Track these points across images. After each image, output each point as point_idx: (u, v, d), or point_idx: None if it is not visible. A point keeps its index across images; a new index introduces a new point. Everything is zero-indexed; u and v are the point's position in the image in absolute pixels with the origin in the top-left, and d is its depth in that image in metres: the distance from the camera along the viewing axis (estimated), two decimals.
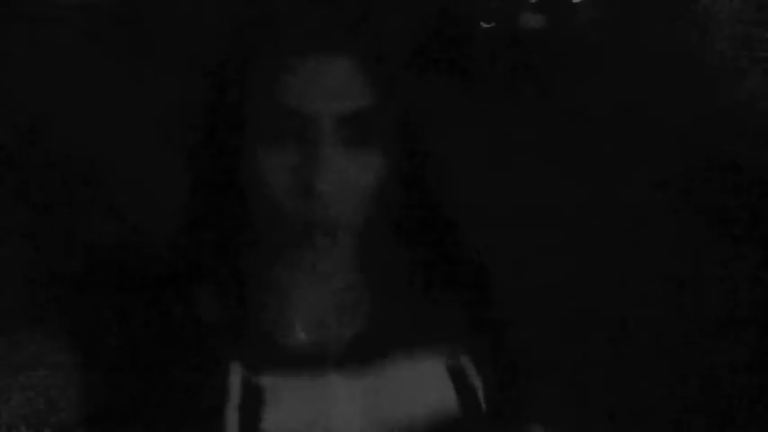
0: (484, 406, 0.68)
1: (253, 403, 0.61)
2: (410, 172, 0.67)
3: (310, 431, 0.62)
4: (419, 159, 0.67)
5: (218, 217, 0.64)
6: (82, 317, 0.61)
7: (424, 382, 0.66)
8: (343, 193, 0.61)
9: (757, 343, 2.28)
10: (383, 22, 0.64)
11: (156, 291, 0.63)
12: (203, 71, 0.63)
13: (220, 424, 0.60)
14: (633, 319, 2.54)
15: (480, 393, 0.68)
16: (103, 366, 0.60)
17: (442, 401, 0.66)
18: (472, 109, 4.90)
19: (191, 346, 0.62)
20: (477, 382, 0.68)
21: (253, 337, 0.65)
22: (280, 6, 0.61)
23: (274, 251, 0.65)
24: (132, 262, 0.64)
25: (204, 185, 0.64)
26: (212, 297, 0.63)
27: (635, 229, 3.03)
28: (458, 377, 0.68)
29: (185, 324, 0.62)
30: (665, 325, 2.47)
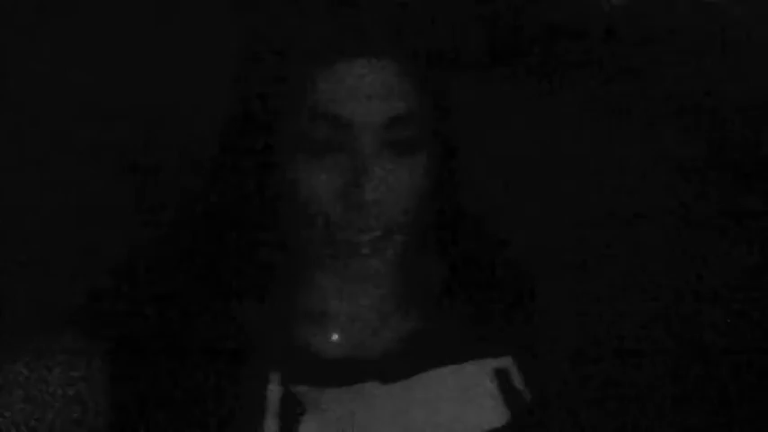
0: (532, 413, 0.66)
1: (291, 414, 0.60)
2: (449, 178, 0.65)
3: None
4: (457, 166, 0.66)
5: (258, 227, 0.62)
6: (119, 325, 0.60)
7: (468, 392, 0.65)
8: (388, 201, 0.59)
9: None
10: (424, 23, 0.62)
11: (198, 300, 0.62)
12: (237, 80, 0.62)
13: None
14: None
15: (528, 400, 0.66)
16: (140, 374, 0.59)
17: (488, 411, 0.64)
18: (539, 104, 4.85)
19: (231, 355, 0.61)
20: (524, 389, 0.67)
21: (292, 347, 0.64)
22: (317, 10, 0.59)
23: (313, 260, 0.64)
24: (173, 270, 0.63)
25: (240, 195, 0.62)
26: (253, 306, 0.62)
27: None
28: (504, 384, 0.66)
29: (226, 333, 0.61)
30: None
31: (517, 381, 0.67)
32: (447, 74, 0.63)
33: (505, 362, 0.67)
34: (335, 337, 0.66)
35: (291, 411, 0.60)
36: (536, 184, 3.56)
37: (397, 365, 0.65)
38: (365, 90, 0.58)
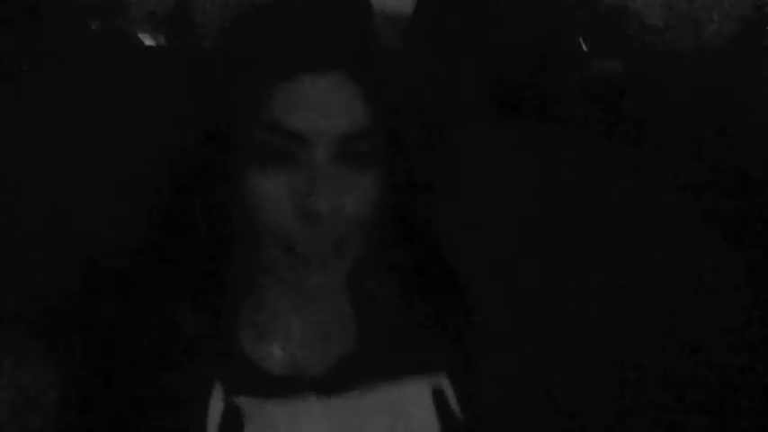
0: (464, 429, 0.67)
1: (233, 425, 0.60)
2: (403, 199, 0.65)
3: None
4: (412, 186, 0.65)
5: (203, 234, 0.61)
6: (65, 329, 0.59)
7: (406, 407, 0.65)
8: (338, 216, 0.59)
9: None
10: (376, 39, 0.62)
11: (139, 306, 0.61)
12: (190, 95, 0.61)
13: None
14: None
15: (460, 418, 0.67)
16: (82, 381, 0.58)
17: (425, 426, 0.65)
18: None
19: (173, 365, 0.60)
20: (457, 407, 0.67)
21: (234, 358, 0.64)
22: (271, 24, 0.59)
23: (262, 272, 0.63)
24: (115, 276, 0.62)
25: (189, 204, 0.61)
26: (195, 314, 0.61)
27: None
28: (440, 401, 0.67)
29: (169, 342, 0.61)
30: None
31: (452, 399, 0.67)
32: (402, 93, 0.62)
33: (441, 380, 0.68)
34: (279, 352, 0.65)
35: (233, 423, 0.60)
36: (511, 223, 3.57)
37: (336, 380, 0.65)
38: (320, 104, 0.57)
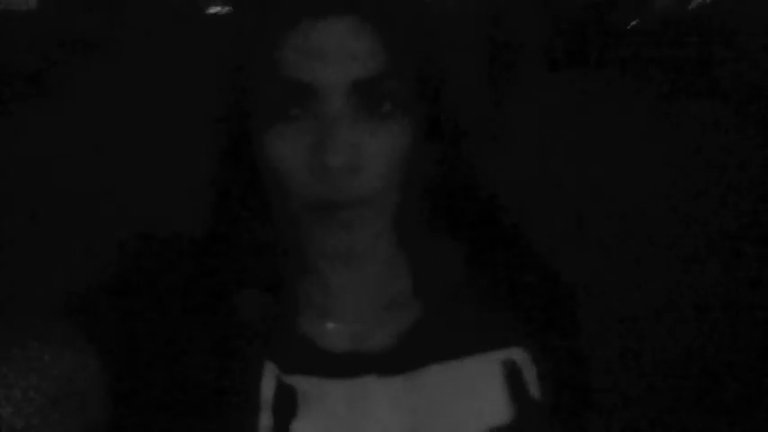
0: (542, 408, 0.61)
1: (286, 406, 0.57)
2: (441, 144, 0.60)
3: None
4: (450, 130, 0.60)
5: (247, 210, 0.59)
6: (111, 315, 0.58)
7: (475, 386, 0.60)
8: (359, 169, 0.55)
9: None
10: None
11: (191, 287, 0.59)
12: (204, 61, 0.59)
13: (253, 426, 0.56)
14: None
15: (538, 395, 0.61)
16: (133, 363, 0.57)
17: (494, 407, 0.60)
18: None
19: (224, 344, 0.58)
20: (534, 382, 0.61)
21: (288, 337, 0.60)
22: None
23: (306, 239, 0.59)
24: (167, 261, 0.61)
25: (224, 176, 0.59)
26: (248, 294, 0.59)
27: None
28: (513, 378, 0.61)
29: (219, 322, 0.58)
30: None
31: (528, 375, 0.62)
32: (435, 36, 0.58)
33: (517, 355, 0.62)
34: (331, 325, 0.62)
35: (286, 403, 0.57)
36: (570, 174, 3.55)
37: (397, 359, 0.61)
38: (328, 51, 0.53)
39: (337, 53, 0.53)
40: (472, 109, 0.60)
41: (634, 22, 5.90)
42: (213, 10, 6.00)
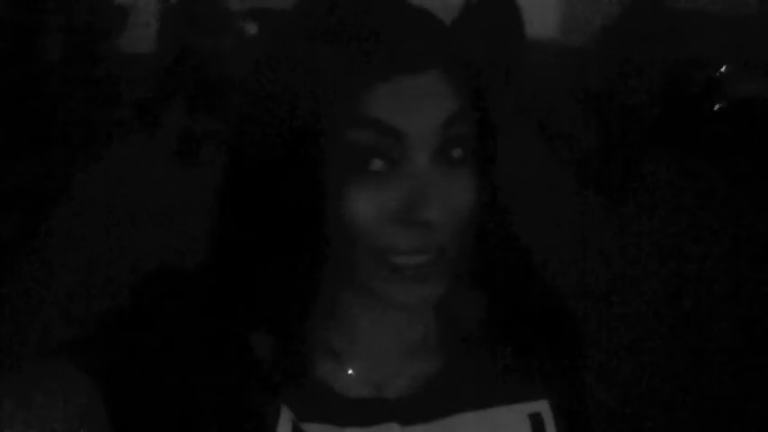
0: None
1: None
2: (491, 198, 0.59)
3: None
4: (495, 181, 0.59)
5: (298, 250, 0.56)
6: (119, 355, 0.55)
7: None
8: (444, 220, 0.53)
9: None
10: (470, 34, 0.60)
11: (205, 326, 0.57)
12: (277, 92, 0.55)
13: None
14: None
15: None
16: (142, 406, 0.54)
17: None
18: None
19: (238, 387, 0.56)
20: None
21: (304, 381, 0.58)
22: (365, 27, 0.54)
23: (346, 288, 0.58)
24: (182, 298, 0.58)
25: (281, 220, 0.55)
26: (267, 338, 0.57)
27: None
28: (536, 429, 0.59)
29: (235, 366, 0.56)
30: None
31: (550, 427, 0.60)
32: (487, 87, 0.58)
33: (540, 406, 0.60)
34: (351, 371, 0.60)
35: None
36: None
37: (420, 406, 0.59)
38: (417, 101, 0.53)
39: (425, 103, 0.53)
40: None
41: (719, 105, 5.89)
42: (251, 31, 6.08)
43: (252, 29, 6.54)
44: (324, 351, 0.60)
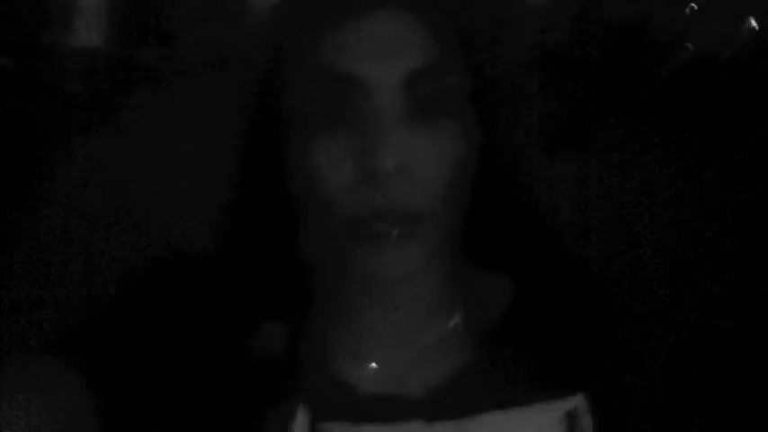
0: None
1: None
2: (494, 160, 0.56)
3: None
4: (502, 140, 0.56)
5: (278, 238, 0.56)
6: (117, 351, 0.55)
7: None
8: (409, 180, 0.51)
9: None
10: None
11: (222, 323, 0.57)
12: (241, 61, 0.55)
13: None
14: None
15: None
16: (144, 408, 0.55)
17: None
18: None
19: (255, 384, 0.56)
20: None
21: (324, 378, 0.57)
22: None
23: (342, 267, 0.56)
24: (195, 291, 0.58)
25: (255, 199, 0.56)
26: (282, 331, 0.57)
27: None
28: (571, 427, 0.59)
29: (250, 360, 0.56)
30: None
31: (586, 424, 0.59)
32: (484, 31, 0.55)
33: (576, 401, 0.59)
34: (374, 365, 0.59)
35: None
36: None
37: (446, 404, 0.58)
38: (376, 42, 0.51)
39: (388, 45, 0.51)
40: (529, 122, 0.57)
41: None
42: None
43: None
44: (342, 349, 0.59)
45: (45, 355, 0.54)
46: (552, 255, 0.61)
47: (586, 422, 0.58)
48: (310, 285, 0.57)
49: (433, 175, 0.51)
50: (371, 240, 0.51)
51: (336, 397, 0.57)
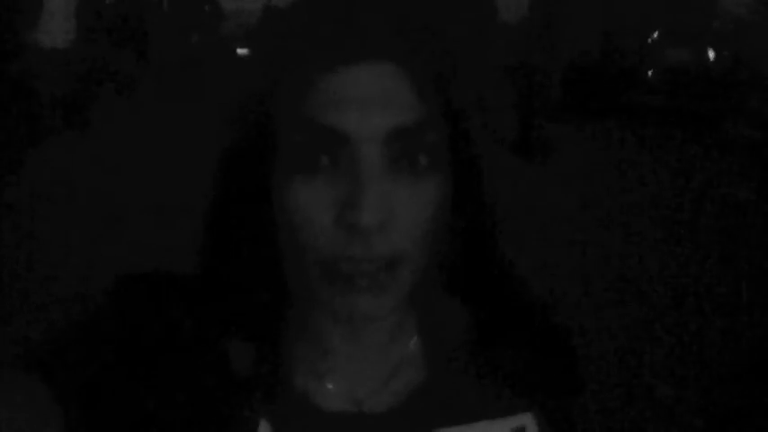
0: None
1: None
2: (465, 204, 0.55)
3: None
4: (476, 189, 0.56)
5: (250, 259, 0.54)
6: (86, 366, 0.52)
7: None
8: (392, 228, 0.50)
9: None
10: (428, 23, 0.53)
11: (183, 340, 0.55)
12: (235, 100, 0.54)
13: None
14: None
15: None
16: (110, 421, 0.52)
17: None
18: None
19: (217, 401, 0.53)
20: None
21: (285, 395, 0.56)
22: (302, 17, 0.52)
23: (312, 297, 0.55)
24: (156, 306, 0.56)
25: (234, 223, 0.54)
26: (245, 348, 0.55)
27: None
28: None
29: (212, 377, 0.54)
30: None
31: None
32: (464, 82, 0.54)
33: (525, 419, 0.59)
34: (330, 386, 0.58)
35: None
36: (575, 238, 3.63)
37: (402, 421, 0.57)
38: (361, 98, 0.49)
39: (373, 100, 0.49)
40: (499, 169, 0.57)
41: (649, 72, 6.03)
42: (241, 51, 6.23)
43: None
44: (303, 366, 0.58)
45: (14, 369, 0.52)
46: (506, 281, 0.61)
47: None
48: (279, 307, 0.56)
49: (412, 226, 0.51)
50: (348, 284, 0.51)
51: (299, 414, 0.56)
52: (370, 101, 0.49)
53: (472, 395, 0.58)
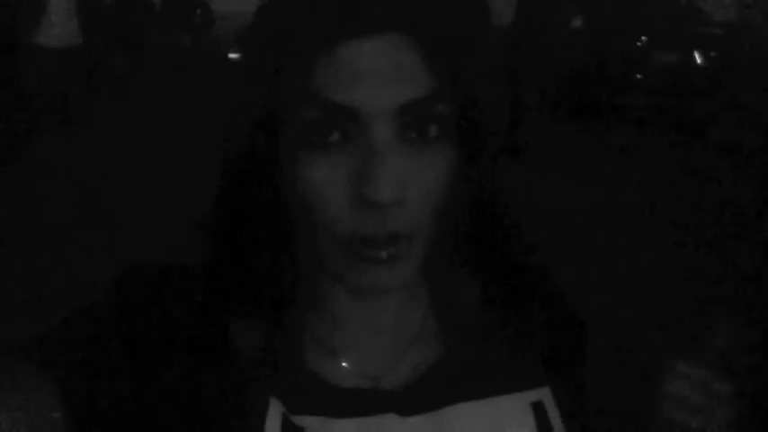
0: None
1: None
2: (476, 177, 0.54)
3: None
4: (485, 162, 0.55)
5: (260, 239, 0.53)
6: (102, 345, 0.52)
7: (505, 428, 0.55)
8: (406, 201, 0.49)
9: None
10: None
11: (191, 319, 0.54)
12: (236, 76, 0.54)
13: None
14: None
15: None
16: (131, 404, 0.51)
17: None
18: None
19: (227, 381, 0.53)
20: (559, 425, 0.57)
21: (296, 372, 0.55)
22: None
23: (323, 274, 0.55)
24: (164, 287, 0.55)
25: (243, 203, 0.53)
26: (253, 326, 0.54)
27: None
28: (542, 420, 0.57)
29: (220, 356, 0.53)
30: None
31: (553, 415, 0.57)
32: (475, 53, 0.53)
33: (542, 394, 0.58)
34: (345, 364, 0.57)
35: None
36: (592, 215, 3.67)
37: (419, 397, 0.56)
38: (371, 72, 0.48)
39: (382, 74, 0.48)
40: (507, 139, 0.57)
41: (639, 76, 6.11)
42: (233, 55, 6.25)
43: None
44: (315, 343, 0.57)
45: (18, 356, 0.51)
46: (519, 257, 0.60)
47: (553, 412, 0.58)
48: (291, 283, 0.55)
49: (425, 197, 0.51)
50: (363, 260, 0.50)
51: (311, 391, 0.55)
52: (379, 75, 0.48)
53: (490, 370, 0.57)
